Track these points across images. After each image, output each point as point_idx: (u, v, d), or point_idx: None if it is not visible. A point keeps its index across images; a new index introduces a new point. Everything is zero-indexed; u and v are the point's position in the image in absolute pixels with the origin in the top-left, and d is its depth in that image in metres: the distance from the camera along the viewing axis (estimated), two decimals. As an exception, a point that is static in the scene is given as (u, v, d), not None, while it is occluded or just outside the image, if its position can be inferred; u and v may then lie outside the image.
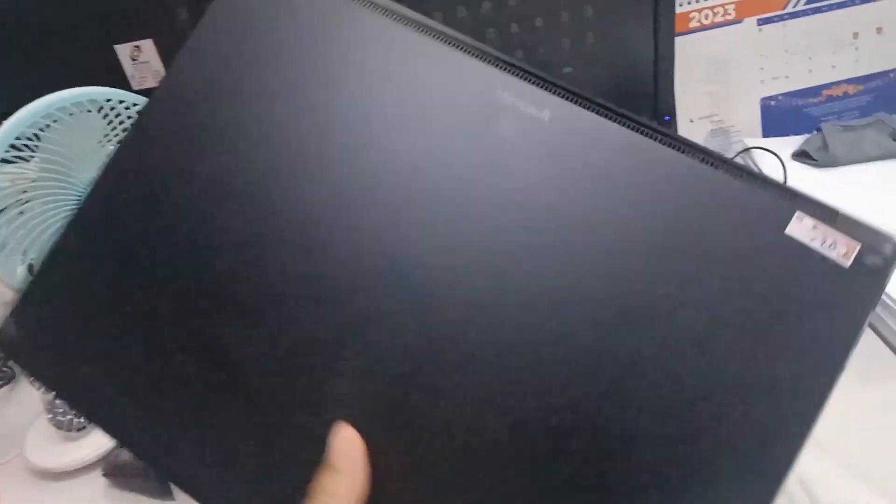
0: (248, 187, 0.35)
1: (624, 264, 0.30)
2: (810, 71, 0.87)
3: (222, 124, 0.36)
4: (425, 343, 0.31)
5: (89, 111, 0.69)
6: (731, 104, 0.87)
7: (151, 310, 0.34)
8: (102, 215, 0.36)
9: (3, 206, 0.67)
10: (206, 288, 0.34)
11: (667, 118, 0.84)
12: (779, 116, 0.88)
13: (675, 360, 0.28)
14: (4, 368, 0.80)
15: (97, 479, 0.65)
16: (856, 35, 0.87)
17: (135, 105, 0.72)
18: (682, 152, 0.31)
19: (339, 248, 0.33)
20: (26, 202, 0.68)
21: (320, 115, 0.35)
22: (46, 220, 0.69)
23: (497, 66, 0.34)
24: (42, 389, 0.67)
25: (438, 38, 0.35)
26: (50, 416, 0.66)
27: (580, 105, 0.33)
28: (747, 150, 0.86)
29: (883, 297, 0.64)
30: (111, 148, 0.71)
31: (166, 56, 0.75)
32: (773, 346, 0.28)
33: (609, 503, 0.28)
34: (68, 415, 0.67)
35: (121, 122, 0.71)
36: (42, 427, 0.69)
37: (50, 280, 0.36)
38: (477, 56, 0.35)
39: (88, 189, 0.37)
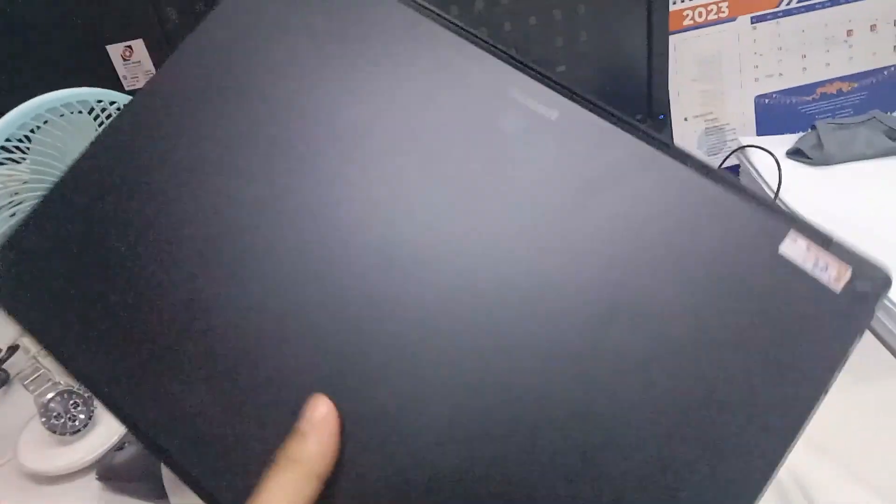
0: (245, 172, 0.35)
1: (614, 268, 0.30)
2: (804, 69, 0.87)
3: (215, 118, 0.37)
4: (405, 328, 0.31)
5: (80, 112, 0.69)
6: (725, 102, 0.87)
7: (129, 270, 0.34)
8: (86, 183, 0.37)
9: (-5, 208, 0.67)
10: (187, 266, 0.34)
11: (661, 116, 0.84)
12: (773, 114, 0.88)
13: (657, 369, 0.28)
14: (-2, 371, 0.80)
15: (91, 483, 0.65)
16: (850, 33, 0.87)
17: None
18: (686, 165, 0.31)
19: (337, 244, 0.33)
20: (18, 204, 0.67)
21: (326, 105, 0.36)
22: (38, 223, 0.68)
23: (509, 63, 0.35)
24: (36, 393, 0.66)
25: (452, 30, 0.36)
26: (44, 419, 0.66)
27: (587, 108, 0.33)
28: (741, 148, 0.86)
29: (885, 301, 0.64)
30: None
31: (157, 57, 0.74)
32: (755, 364, 0.28)
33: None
34: (62, 418, 0.66)
35: (112, 124, 0.71)
36: (36, 430, 0.68)
37: (37, 228, 0.37)
38: (488, 51, 0.35)
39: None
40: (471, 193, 0.33)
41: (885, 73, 0.89)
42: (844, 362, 0.27)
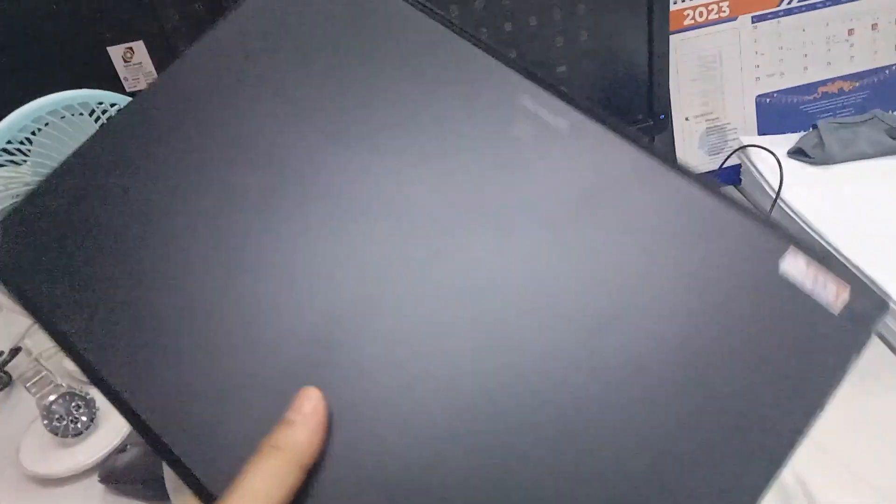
0: (250, 165, 0.36)
1: (615, 279, 0.30)
2: (805, 68, 0.87)
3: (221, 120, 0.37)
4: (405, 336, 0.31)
5: (81, 114, 0.69)
6: (726, 102, 0.87)
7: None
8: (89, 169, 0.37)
9: (-4, 211, 0.67)
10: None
11: (661, 116, 0.83)
12: (774, 114, 0.88)
13: (655, 379, 0.28)
14: (1, 374, 0.79)
15: (93, 485, 0.65)
16: (851, 32, 0.86)
17: (127, 108, 0.72)
18: (689, 180, 0.31)
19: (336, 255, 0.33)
20: (19, 206, 0.67)
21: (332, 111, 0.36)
22: (39, 225, 0.68)
23: (521, 73, 0.35)
24: (38, 395, 0.66)
25: (465, 37, 0.36)
26: (46, 422, 0.66)
27: (595, 120, 0.33)
28: (743, 147, 0.86)
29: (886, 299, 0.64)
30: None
31: (156, 58, 0.74)
32: (752, 379, 0.28)
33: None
34: (64, 420, 0.66)
35: (113, 126, 0.71)
36: (37, 433, 0.68)
37: (40, 203, 0.37)
38: (501, 60, 0.35)
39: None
40: (475, 200, 0.33)
41: (887, 72, 0.89)
42: (841, 382, 0.27)
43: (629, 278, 0.30)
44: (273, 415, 0.29)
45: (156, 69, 0.73)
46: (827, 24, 0.86)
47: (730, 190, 0.90)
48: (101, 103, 0.70)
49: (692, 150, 0.88)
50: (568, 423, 0.28)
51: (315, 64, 0.38)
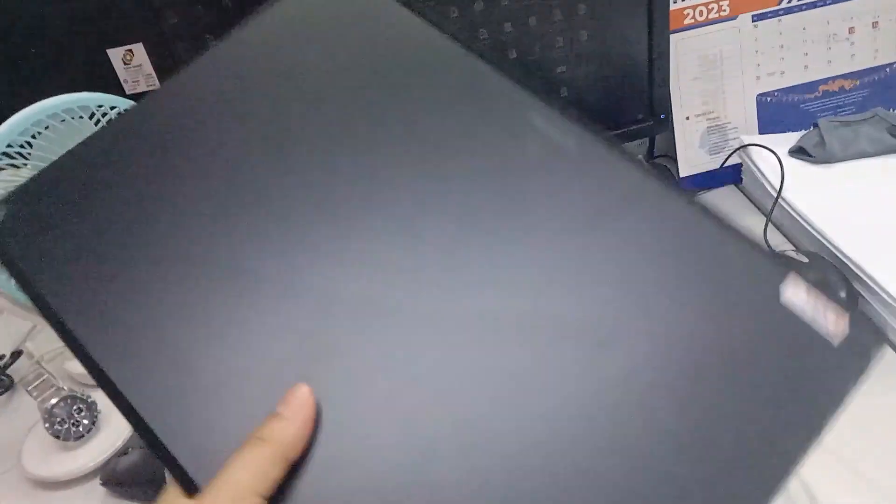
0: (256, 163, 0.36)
1: (618, 300, 0.30)
2: (806, 67, 0.87)
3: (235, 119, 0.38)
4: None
5: (81, 117, 0.69)
6: (726, 101, 0.87)
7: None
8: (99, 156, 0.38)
9: (-3, 214, 0.67)
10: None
11: (662, 116, 0.83)
12: (775, 113, 0.88)
13: (655, 397, 0.28)
14: (2, 377, 0.80)
15: (95, 489, 0.65)
16: (851, 30, 0.86)
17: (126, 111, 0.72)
18: (693, 205, 0.32)
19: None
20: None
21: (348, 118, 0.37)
22: (40, 228, 0.68)
23: (530, 91, 0.36)
24: (40, 398, 0.67)
25: (474, 54, 0.37)
26: (47, 425, 0.66)
27: (602, 142, 0.34)
28: (743, 146, 0.86)
29: (887, 298, 0.64)
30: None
31: (156, 60, 0.74)
32: (751, 402, 0.28)
33: None
34: (66, 424, 0.66)
35: (113, 129, 0.71)
36: (39, 436, 0.68)
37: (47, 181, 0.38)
38: (511, 78, 0.36)
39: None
40: (481, 216, 0.33)
41: (888, 70, 0.88)
42: (839, 410, 0.28)
43: (631, 300, 0.30)
44: (265, 410, 0.29)
45: (155, 71, 0.73)
46: (827, 23, 0.86)
47: (731, 189, 0.90)
48: (100, 106, 0.70)
49: (693, 150, 0.88)
50: (567, 443, 0.28)
51: (324, 80, 0.38)
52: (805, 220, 0.74)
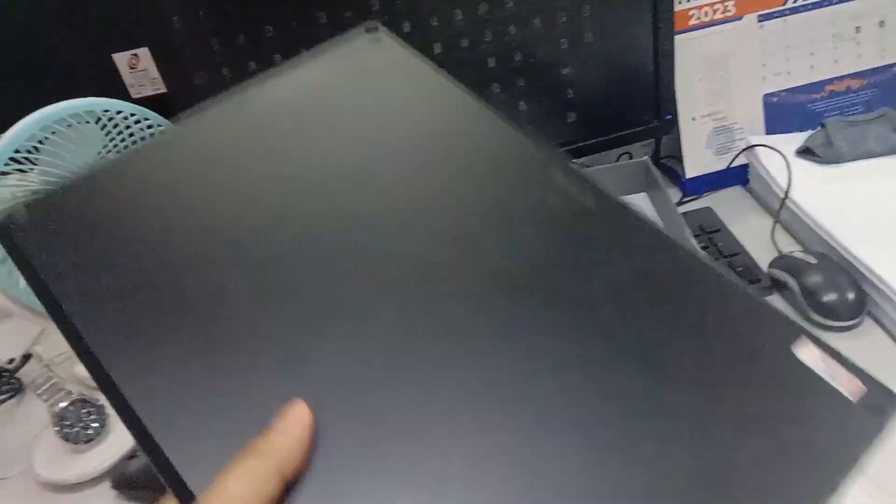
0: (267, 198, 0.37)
1: (637, 349, 0.31)
2: (812, 67, 0.87)
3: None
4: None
5: (87, 122, 0.69)
6: (732, 101, 0.87)
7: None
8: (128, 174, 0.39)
9: (5, 219, 0.67)
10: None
11: (668, 117, 0.83)
12: (782, 113, 0.88)
13: (669, 443, 0.28)
14: (12, 381, 0.80)
15: (106, 492, 0.65)
16: (858, 29, 0.86)
17: (132, 115, 0.72)
18: (704, 261, 0.33)
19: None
20: (28, 214, 0.68)
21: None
22: (48, 233, 0.69)
23: (550, 152, 0.38)
24: (50, 402, 0.67)
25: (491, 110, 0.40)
26: (57, 428, 0.67)
27: (617, 201, 0.36)
28: (750, 147, 0.85)
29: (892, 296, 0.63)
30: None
31: (162, 64, 0.74)
32: (767, 453, 0.28)
33: None
34: (75, 427, 0.67)
35: (119, 133, 0.71)
36: (49, 440, 0.69)
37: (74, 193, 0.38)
38: (531, 138, 0.39)
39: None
40: (504, 270, 0.34)
41: (895, 69, 0.88)
42: (854, 470, 0.27)
43: (648, 349, 0.31)
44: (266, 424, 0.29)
45: (161, 76, 0.73)
46: (834, 22, 0.85)
47: (737, 190, 0.90)
48: (107, 111, 0.70)
49: (699, 151, 0.88)
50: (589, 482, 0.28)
51: (351, 130, 0.40)
52: (813, 221, 0.74)
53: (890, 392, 0.29)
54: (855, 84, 0.88)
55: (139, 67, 0.83)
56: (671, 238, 0.34)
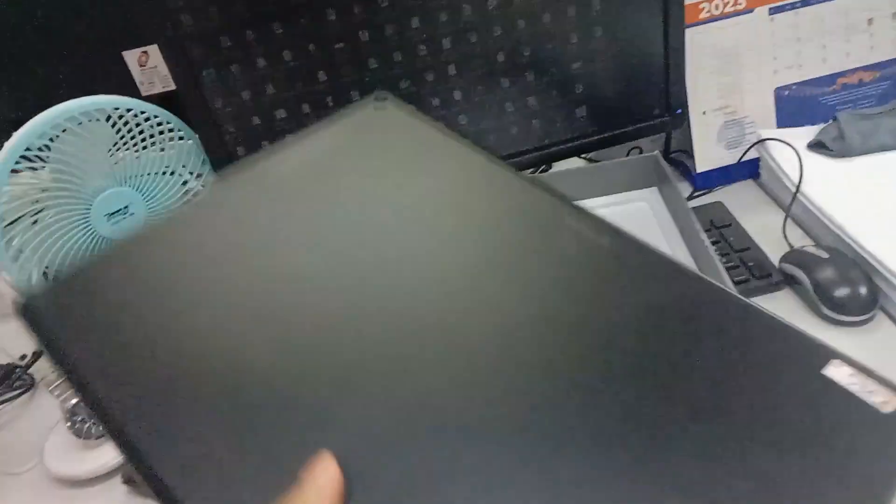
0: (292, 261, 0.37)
1: (663, 388, 0.31)
2: (824, 59, 0.86)
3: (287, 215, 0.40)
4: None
5: (98, 120, 0.69)
6: (743, 95, 0.86)
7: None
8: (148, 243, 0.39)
9: (18, 216, 0.68)
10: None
11: (678, 111, 0.83)
12: (793, 106, 0.87)
13: (712, 470, 0.28)
14: (24, 377, 0.81)
15: (117, 487, 0.66)
16: (870, 21, 0.85)
17: (142, 113, 0.72)
18: (727, 290, 0.34)
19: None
20: (39, 211, 0.68)
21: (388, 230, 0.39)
22: (59, 229, 0.69)
23: (559, 198, 0.39)
24: (62, 398, 0.67)
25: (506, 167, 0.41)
26: (69, 424, 0.67)
27: (638, 241, 0.37)
28: (761, 141, 0.85)
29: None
30: (121, 156, 0.72)
31: (171, 62, 0.74)
32: (806, 480, 0.27)
33: None
34: (87, 422, 0.67)
35: (129, 131, 0.72)
36: (61, 435, 0.69)
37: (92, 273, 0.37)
38: (541, 188, 0.39)
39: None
40: (524, 303, 0.34)
41: (908, 61, 0.87)
42: None
43: (680, 384, 0.31)
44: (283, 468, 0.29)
45: (171, 73, 0.74)
46: (846, 14, 0.84)
47: (748, 184, 0.89)
48: (116, 108, 0.70)
49: (710, 145, 0.87)
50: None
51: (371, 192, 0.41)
52: (824, 215, 0.73)
53: None
54: (867, 77, 0.87)
55: (149, 65, 0.83)
56: (698, 274, 0.35)
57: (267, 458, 0.30)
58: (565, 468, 0.28)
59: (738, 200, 0.85)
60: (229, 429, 0.31)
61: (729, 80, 0.86)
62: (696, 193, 0.89)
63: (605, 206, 0.82)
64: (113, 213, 0.72)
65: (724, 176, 0.89)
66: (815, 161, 0.80)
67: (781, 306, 0.69)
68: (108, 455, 0.67)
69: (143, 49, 0.82)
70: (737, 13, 0.83)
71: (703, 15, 0.83)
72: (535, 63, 0.78)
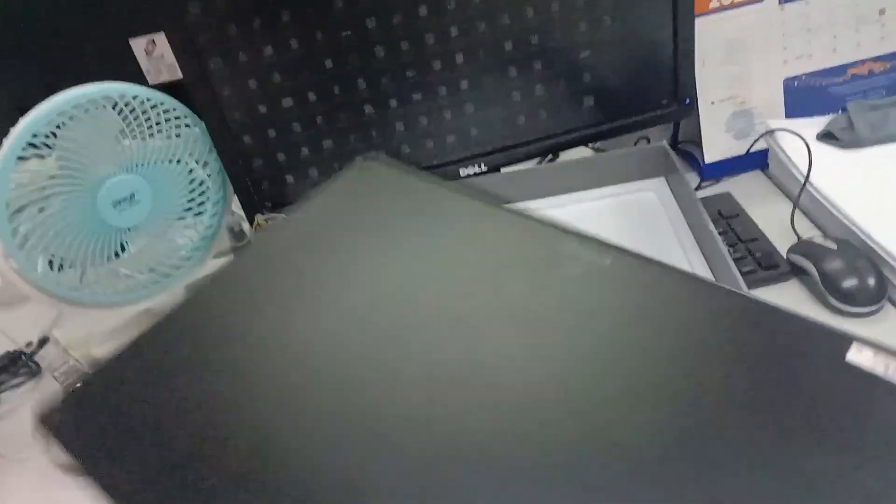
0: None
1: (689, 395, 0.31)
2: (834, 50, 0.85)
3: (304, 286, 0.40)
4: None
5: (104, 107, 0.69)
6: (752, 85, 0.86)
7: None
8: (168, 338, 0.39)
9: (24, 203, 0.68)
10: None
11: (687, 101, 0.82)
12: (802, 97, 0.86)
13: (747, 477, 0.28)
14: (29, 363, 0.81)
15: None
16: (881, 11, 0.84)
17: (149, 100, 0.72)
18: (733, 294, 0.34)
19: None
20: (46, 198, 0.68)
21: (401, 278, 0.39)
22: (66, 216, 0.69)
23: (559, 227, 0.40)
24: (66, 385, 0.67)
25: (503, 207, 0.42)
26: (74, 411, 0.67)
27: (636, 257, 0.37)
28: (770, 131, 0.84)
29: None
30: (127, 143, 0.72)
31: (179, 50, 0.74)
32: (847, 463, 0.27)
33: None
34: (92, 410, 0.67)
35: (136, 118, 0.71)
36: (66, 422, 0.69)
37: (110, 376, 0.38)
38: (539, 221, 0.40)
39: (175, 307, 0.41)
40: (536, 326, 0.35)
41: (919, 52, 0.86)
42: None
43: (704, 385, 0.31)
44: None
45: (178, 61, 0.74)
46: (857, 4, 0.84)
47: (757, 175, 0.89)
48: (123, 96, 0.70)
49: (718, 135, 0.87)
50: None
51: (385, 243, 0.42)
52: (833, 206, 0.73)
53: None
54: (878, 67, 0.86)
55: (156, 53, 0.83)
56: (695, 277, 0.35)
57: None
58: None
59: (747, 191, 0.84)
60: None
61: (738, 71, 0.85)
62: (704, 184, 0.88)
63: (613, 196, 0.82)
64: (119, 201, 0.72)
65: (733, 166, 0.88)
66: (824, 152, 0.80)
67: (789, 297, 0.69)
68: (113, 442, 0.67)
69: (151, 37, 0.82)
70: (747, 3, 0.83)
71: (713, 4, 0.82)
72: (543, 52, 0.77)
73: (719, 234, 0.67)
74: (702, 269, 0.68)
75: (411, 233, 0.42)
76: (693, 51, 0.80)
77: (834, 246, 0.67)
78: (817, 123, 0.84)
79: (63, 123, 0.67)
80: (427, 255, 0.40)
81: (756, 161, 0.88)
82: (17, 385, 0.80)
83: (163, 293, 0.80)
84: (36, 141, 0.66)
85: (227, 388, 0.35)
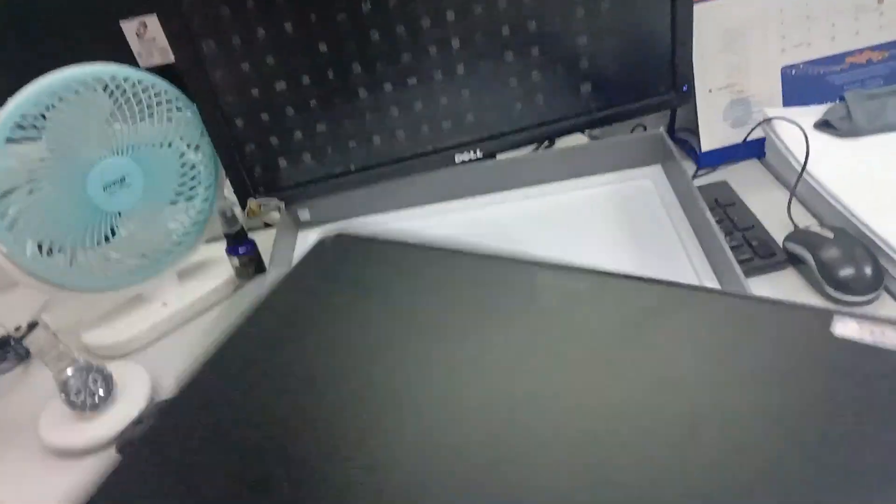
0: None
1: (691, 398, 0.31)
2: (833, 38, 0.85)
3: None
4: None
5: (95, 90, 0.68)
6: (750, 73, 0.85)
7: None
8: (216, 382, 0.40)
9: (13, 186, 0.67)
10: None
11: (684, 88, 0.82)
12: (800, 85, 0.86)
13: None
14: (18, 348, 0.80)
15: (111, 457, 0.65)
16: (880, 0, 0.84)
17: (140, 82, 0.71)
18: (712, 293, 0.36)
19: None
20: (35, 181, 0.67)
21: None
22: (55, 199, 0.69)
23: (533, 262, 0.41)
24: (56, 369, 0.67)
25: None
26: (63, 395, 0.67)
27: (612, 276, 0.38)
28: (768, 120, 0.84)
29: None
30: (118, 126, 0.71)
31: (169, 32, 0.73)
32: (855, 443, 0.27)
33: None
34: (81, 394, 0.67)
35: (126, 101, 0.71)
36: (56, 407, 0.69)
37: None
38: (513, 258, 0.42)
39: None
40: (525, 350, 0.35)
41: (918, 41, 0.86)
42: None
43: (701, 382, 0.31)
44: None
45: (170, 43, 0.73)
46: (856, -8, 0.83)
47: (754, 163, 0.88)
48: (114, 77, 0.69)
49: (716, 123, 0.86)
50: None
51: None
52: (830, 195, 0.72)
53: None
54: (876, 56, 0.86)
55: (147, 36, 0.82)
56: (679, 284, 0.36)
57: None
58: None
59: (743, 179, 0.84)
60: None
61: (736, 59, 0.84)
62: (701, 172, 0.88)
63: (609, 184, 0.81)
64: (109, 185, 0.71)
65: (730, 155, 0.88)
66: (821, 140, 0.79)
67: (785, 286, 0.68)
68: (102, 427, 0.67)
69: (142, 19, 0.81)
70: (745, -11, 0.82)
71: (711, -9, 0.81)
72: (540, 37, 0.77)
73: (716, 222, 0.67)
74: (698, 258, 0.67)
75: (411, 297, 0.42)
76: (691, 38, 0.80)
77: (830, 235, 0.67)
78: (815, 112, 0.83)
79: (52, 105, 0.66)
80: (432, 318, 0.40)
81: (753, 150, 0.88)
82: (6, 370, 0.79)
83: (153, 278, 0.79)
84: (24, 123, 0.65)
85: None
